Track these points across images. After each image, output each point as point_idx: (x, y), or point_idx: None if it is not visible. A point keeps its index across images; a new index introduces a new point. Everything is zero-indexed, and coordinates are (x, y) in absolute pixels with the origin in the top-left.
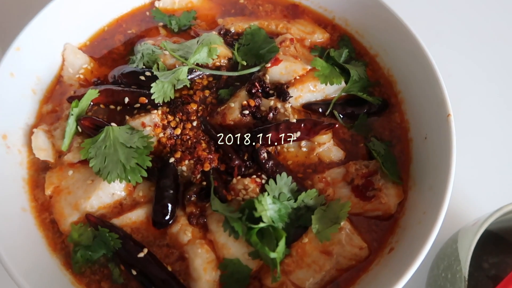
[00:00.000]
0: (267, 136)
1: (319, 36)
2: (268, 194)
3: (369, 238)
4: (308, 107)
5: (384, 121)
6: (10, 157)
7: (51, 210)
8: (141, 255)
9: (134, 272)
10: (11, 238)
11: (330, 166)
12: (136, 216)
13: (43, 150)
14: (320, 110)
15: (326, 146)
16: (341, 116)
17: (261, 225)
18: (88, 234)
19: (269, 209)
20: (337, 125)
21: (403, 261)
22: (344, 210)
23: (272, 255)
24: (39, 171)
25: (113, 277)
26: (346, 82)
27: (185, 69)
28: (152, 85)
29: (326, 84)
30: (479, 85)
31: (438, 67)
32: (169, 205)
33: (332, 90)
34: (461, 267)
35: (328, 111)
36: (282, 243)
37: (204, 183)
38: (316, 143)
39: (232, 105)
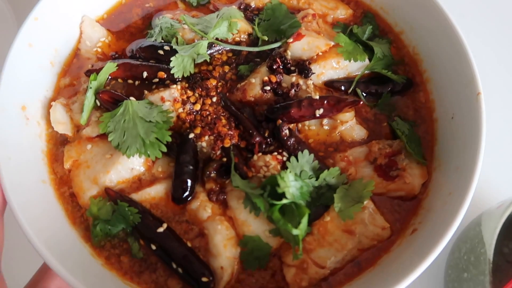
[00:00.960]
0: (289, 112)
1: (342, 12)
2: (290, 172)
3: (392, 219)
4: (330, 85)
5: (408, 100)
6: (29, 128)
7: (70, 184)
8: (160, 230)
9: (153, 247)
10: (31, 208)
11: (352, 145)
12: (155, 192)
13: (62, 124)
14: (343, 88)
15: (349, 124)
16: (364, 95)
17: (284, 201)
18: (107, 208)
19: (291, 186)
20: (361, 103)
21: (427, 243)
22: (367, 189)
23: (295, 231)
24: (58, 144)
25: (133, 252)
26: (369, 60)
27: (205, 43)
28: (171, 59)
29: (349, 61)
30: (506, 67)
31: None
32: (189, 181)
33: (355, 67)
34: (486, 250)
35: (351, 89)
36: (305, 220)
37: (224, 159)
38: (338, 121)
39: (253, 80)
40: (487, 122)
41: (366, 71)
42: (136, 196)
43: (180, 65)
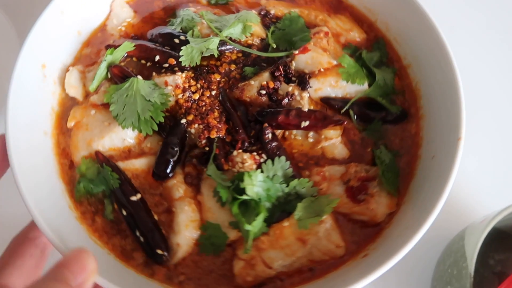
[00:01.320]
0: (276, 118)
1: (356, 35)
2: (262, 172)
3: (350, 240)
4: (326, 101)
5: (398, 128)
6: (45, 84)
7: (68, 142)
8: (133, 198)
9: (124, 213)
10: (26, 155)
11: (332, 162)
12: (140, 164)
13: (74, 88)
14: (337, 106)
15: (333, 141)
16: (356, 117)
17: (244, 197)
18: (94, 169)
19: (257, 186)
20: (345, 122)
21: (370, 268)
22: (330, 205)
23: (247, 227)
24: (67, 108)
25: (105, 212)
26: (370, 85)
27: (216, 40)
28: (182, 48)
29: (347, 82)
30: (490, 83)
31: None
32: (171, 161)
33: (353, 89)
34: (467, 264)
35: (344, 109)
36: (259, 219)
37: (207, 148)
38: (323, 136)
39: (252, 82)
40: (472, 137)
41: (363, 95)
42: (122, 164)
43: (188, 55)
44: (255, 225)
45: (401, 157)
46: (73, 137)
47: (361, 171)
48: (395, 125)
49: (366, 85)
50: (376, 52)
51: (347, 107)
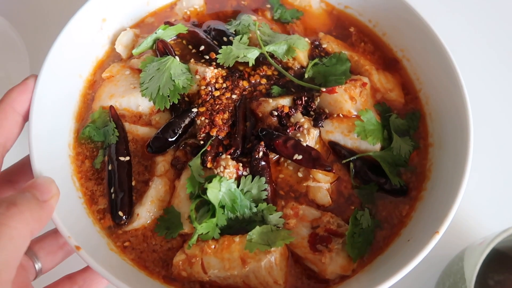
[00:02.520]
0: (274, 140)
1: (393, 97)
2: (235, 182)
3: (293, 283)
4: (332, 145)
5: (390, 203)
6: (98, 36)
7: (96, 89)
8: (122, 159)
9: (110, 167)
10: (53, 91)
11: (311, 204)
12: (142, 132)
13: (123, 46)
14: (341, 154)
15: (320, 185)
16: (354, 172)
17: (204, 197)
18: (103, 120)
19: (223, 192)
20: (334, 171)
21: None
22: (284, 240)
23: (195, 224)
24: (110, 61)
25: (95, 160)
26: (383, 148)
27: (256, 51)
28: (222, 47)
29: (358, 136)
30: (490, 102)
31: None
32: (168, 140)
33: (364, 146)
34: (466, 286)
35: (347, 160)
36: (210, 222)
37: (202, 142)
38: (311, 176)
39: (270, 101)
40: (472, 157)
41: (371, 155)
42: (127, 126)
43: (226, 55)
44: (204, 227)
45: (382, 230)
46: (101, 87)
47: (333, 223)
48: (390, 196)
49: (378, 146)
50: (406, 122)
51: (350, 159)
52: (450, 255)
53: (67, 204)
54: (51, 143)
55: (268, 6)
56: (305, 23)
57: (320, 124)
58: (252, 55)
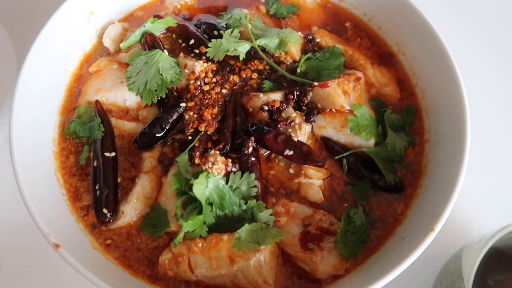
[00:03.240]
0: (264, 136)
1: (388, 92)
2: (223, 178)
3: (284, 282)
4: (325, 141)
5: (384, 201)
6: (85, 29)
7: (82, 83)
8: (108, 155)
9: (95, 163)
10: (37, 83)
11: (302, 201)
12: (129, 127)
13: (111, 39)
14: (334, 149)
15: (311, 181)
16: (347, 168)
17: (191, 193)
18: (89, 115)
19: (210, 189)
20: (326, 167)
21: None
22: (274, 238)
23: (181, 222)
24: (97, 55)
25: (80, 156)
26: (378, 143)
27: (247, 45)
28: (212, 40)
29: (351, 131)
30: (486, 101)
31: None
32: (155, 136)
33: (357, 141)
34: (464, 285)
35: (339, 156)
36: (196, 219)
37: (190, 138)
38: (303, 172)
39: (261, 95)
40: (469, 155)
41: (364, 151)
42: (114, 121)
43: (215, 48)
44: (190, 224)
45: (376, 229)
46: (88, 81)
47: (326, 221)
48: (384, 193)
49: (371, 142)
50: (401, 117)
51: (342, 155)
52: (448, 254)
53: (48, 200)
54: (33, 135)
55: (263, 0)
56: (299, 17)
57: (312, 119)
58: (242, 48)
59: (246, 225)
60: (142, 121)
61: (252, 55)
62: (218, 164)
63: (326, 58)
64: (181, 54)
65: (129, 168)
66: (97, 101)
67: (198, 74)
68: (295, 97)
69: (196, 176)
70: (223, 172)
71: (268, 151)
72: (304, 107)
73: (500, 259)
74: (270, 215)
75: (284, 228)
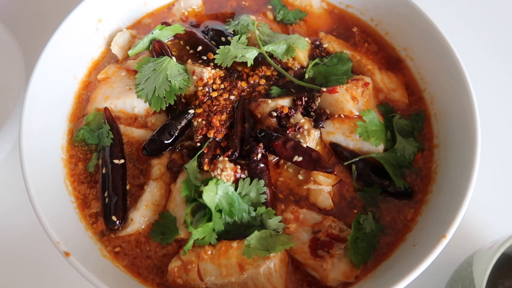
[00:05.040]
0: (273, 142)
1: (397, 97)
2: (233, 185)
3: None
4: (334, 147)
5: (394, 207)
6: (94, 37)
7: (91, 90)
8: (116, 161)
9: (103, 171)
10: (47, 91)
11: (312, 208)
12: (138, 134)
13: (119, 47)
14: (343, 155)
15: (321, 188)
16: (356, 174)
17: (200, 200)
18: (98, 122)
19: (219, 196)
20: (335, 173)
21: None
22: (284, 245)
23: (190, 229)
24: (106, 63)
25: (89, 164)
26: (387, 149)
27: (255, 51)
28: (220, 47)
29: (360, 137)
30: (497, 107)
31: None
32: (163, 143)
33: (366, 147)
34: None
35: (348, 162)
36: (206, 227)
37: (199, 144)
38: (312, 178)
39: (269, 101)
40: (481, 160)
41: (374, 156)
42: (123, 128)
43: (224, 55)
44: (199, 231)
45: (386, 236)
46: (97, 88)
47: (335, 228)
48: (394, 199)
49: (381, 148)
50: (410, 122)
51: (351, 161)
52: (458, 260)
53: (57, 208)
54: (43, 142)
55: (270, 7)
56: (306, 23)
57: (320, 125)
58: (250, 55)
59: (256, 232)
60: (150, 128)
61: (260, 61)
62: (227, 171)
63: (333, 63)
64: (189, 60)
65: (138, 175)
66: (105, 108)
67: (206, 81)
68: (304, 103)
69: (205, 183)
70: (232, 178)
71: (277, 158)
72: (312, 113)
73: (511, 265)
74: (280, 222)
75: (294, 235)
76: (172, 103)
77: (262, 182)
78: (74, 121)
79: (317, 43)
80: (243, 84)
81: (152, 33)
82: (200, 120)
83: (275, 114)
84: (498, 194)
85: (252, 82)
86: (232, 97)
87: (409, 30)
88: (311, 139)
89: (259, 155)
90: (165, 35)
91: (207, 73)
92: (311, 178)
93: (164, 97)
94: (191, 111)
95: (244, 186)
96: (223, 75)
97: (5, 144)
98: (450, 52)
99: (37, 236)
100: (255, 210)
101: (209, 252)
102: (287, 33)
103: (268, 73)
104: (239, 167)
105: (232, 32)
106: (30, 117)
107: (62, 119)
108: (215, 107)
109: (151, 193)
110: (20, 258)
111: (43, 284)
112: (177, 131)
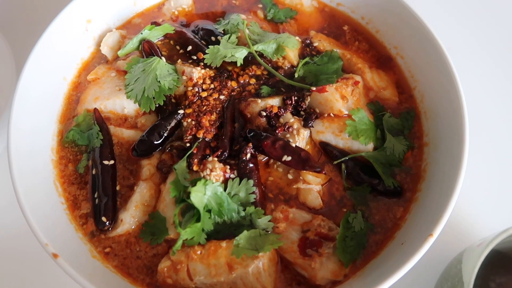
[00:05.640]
0: (262, 142)
1: (387, 95)
2: (222, 185)
3: None
4: (324, 146)
5: (383, 205)
6: (83, 37)
7: (81, 91)
8: (106, 162)
9: (93, 172)
10: (36, 89)
11: (301, 207)
12: (127, 135)
13: (108, 47)
14: (332, 154)
15: (310, 187)
16: (346, 173)
17: (188, 201)
18: (88, 123)
19: (208, 196)
20: (324, 172)
21: None
22: (273, 244)
23: (179, 229)
24: (95, 63)
25: (79, 165)
26: (376, 148)
27: (245, 50)
28: (209, 46)
29: (349, 136)
30: (487, 104)
31: None
32: (153, 143)
33: (355, 146)
34: None
35: (338, 161)
36: (194, 227)
37: (188, 145)
38: (301, 178)
39: (259, 101)
40: (470, 158)
41: (363, 155)
42: (112, 129)
43: (213, 55)
44: (188, 232)
45: (376, 234)
46: (86, 89)
47: (325, 227)
48: (383, 197)
49: (370, 146)
50: (400, 121)
51: (341, 160)
52: (449, 258)
53: (46, 209)
54: (32, 142)
55: (260, 6)
56: (297, 22)
57: (310, 124)
58: (240, 54)
59: (245, 232)
60: (140, 129)
61: (249, 60)
62: (216, 171)
63: (324, 62)
64: (179, 60)
65: (128, 176)
66: (95, 109)
67: (196, 81)
68: (293, 102)
69: (193, 183)
70: (221, 178)
71: (267, 157)
72: (302, 112)
73: (502, 261)
74: (269, 221)
75: (283, 234)
76: (162, 103)
77: (251, 182)
78: (64, 122)
79: (308, 41)
80: (233, 84)
81: (142, 33)
82: (189, 120)
83: (264, 113)
84: (489, 192)
85: (242, 81)
86: (222, 97)
87: (399, 28)
88: (300, 139)
89: (248, 155)
90: (155, 35)
91: (197, 73)
92: (301, 177)
93: (154, 98)
94: (181, 112)
95: (233, 186)
96: (213, 75)
97: None
98: (440, 51)
99: (28, 236)
100: (244, 210)
101: (199, 252)
102: (278, 32)
103: (258, 72)
104: (228, 167)
105: (222, 32)
106: (20, 115)
107: (52, 120)
108: (204, 107)
109: (141, 193)
110: (10, 258)
111: (34, 283)
112: (167, 131)
